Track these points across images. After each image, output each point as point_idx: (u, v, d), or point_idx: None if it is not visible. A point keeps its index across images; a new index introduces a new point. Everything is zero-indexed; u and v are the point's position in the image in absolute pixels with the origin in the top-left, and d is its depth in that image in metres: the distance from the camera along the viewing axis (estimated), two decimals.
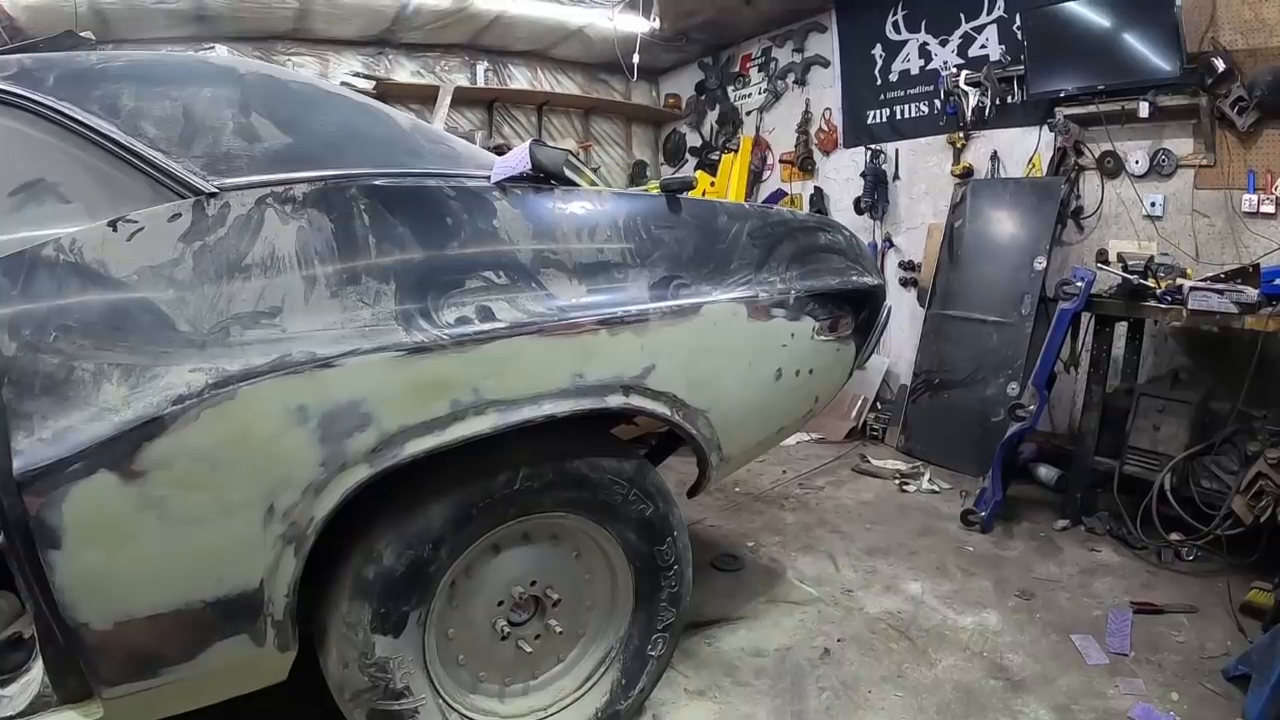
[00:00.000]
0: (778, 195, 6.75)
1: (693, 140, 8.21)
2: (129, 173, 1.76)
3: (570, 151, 2.34)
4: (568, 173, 2.17)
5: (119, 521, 1.53)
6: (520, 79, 7.62)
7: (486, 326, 1.83)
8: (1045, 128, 5.13)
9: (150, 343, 1.56)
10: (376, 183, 1.88)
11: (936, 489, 4.69)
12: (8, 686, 1.76)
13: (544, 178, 2.12)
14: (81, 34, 2.52)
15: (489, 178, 2.08)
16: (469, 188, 2.01)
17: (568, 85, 7.87)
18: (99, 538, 1.52)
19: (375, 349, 1.70)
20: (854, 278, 2.67)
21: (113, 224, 1.62)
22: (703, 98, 7.94)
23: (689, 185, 2.39)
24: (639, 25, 6.17)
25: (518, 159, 2.07)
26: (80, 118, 1.76)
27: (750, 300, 2.33)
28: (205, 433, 1.56)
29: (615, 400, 2.06)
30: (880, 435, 5.79)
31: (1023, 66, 5.12)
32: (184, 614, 1.64)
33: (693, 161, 8.09)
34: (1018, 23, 5.15)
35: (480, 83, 7.27)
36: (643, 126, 8.56)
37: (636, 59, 6.30)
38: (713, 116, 7.88)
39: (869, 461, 5.10)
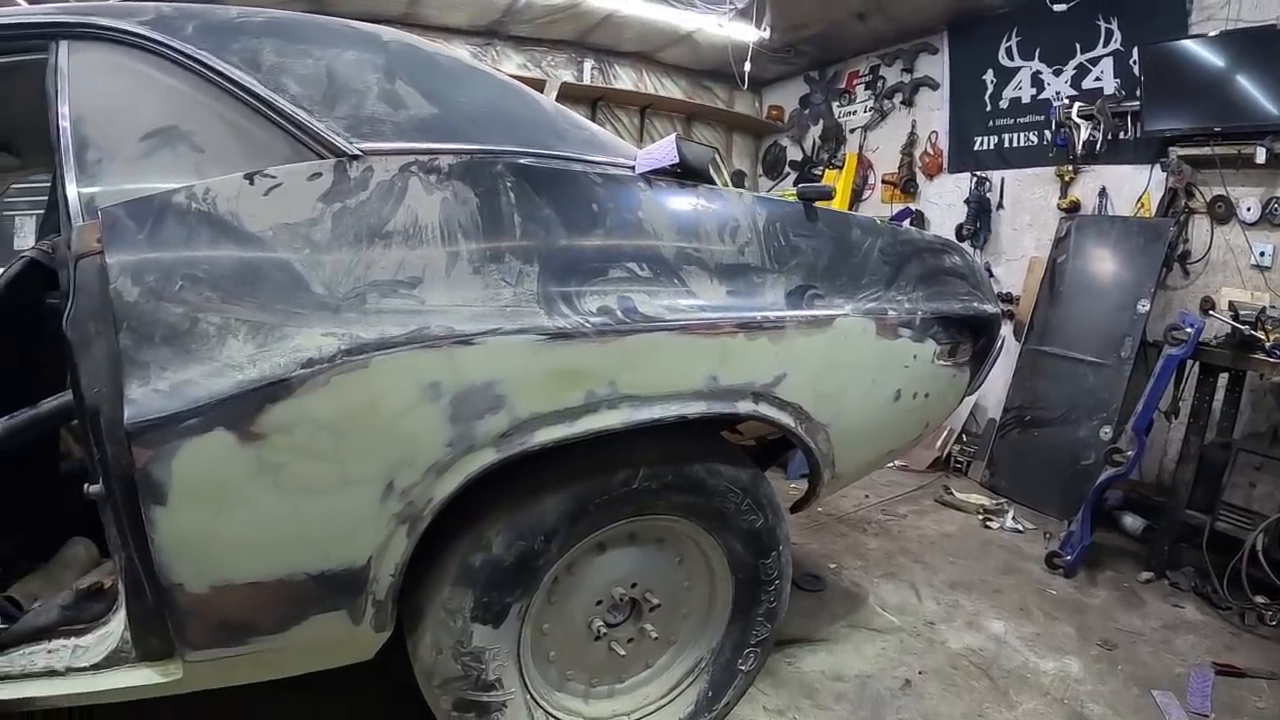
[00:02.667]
0: (905, 214, 6.49)
1: (793, 154, 8.00)
2: (267, 128, 1.70)
3: (717, 150, 2.23)
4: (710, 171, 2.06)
5: (231, 483, 1.45)
6: (625, 79, 7.52)
7: (628, 318, 1.73)
8: (1157, 167, 4.90)
9: (282, 302, 1.48)
10: (523, 161, 1.78)
11: (1020, 528, 4.50)
12: (84, 637, 1.69)
13: (685, 174, 2.01)
14: None
15: (633, 168, 1.98)
16: (615, 175, 1.91)
17: (671, 89, 7.75)
18: (208, 498, 1.44)
19: (516, 330, 1.60)
20: (975, 304, 2.53)
21: (249, 177, 1.54)
22: (806, 112, 7.74)
23: (827, 194, 2.27)
24: (749, 34, 6.01)
25: (664, 152, 1.96)
26: (219, 68, 1.70)
27: (880, 317, 2.20)
28: (332, 400, 1.47)
29: (745, 406, 1.95)
30: (964, 468, 5.58)
31: (1138, 102, 4.90)
32: (285, 585, 1.56)
33: (792, 175, 7.91)
34: (1134, 57, 4.95)
35: (586, 80, 7.20)
36: (743, 136, 8.39)
37: (748, 68, 6.14)
38: (815, 131, 7.67)
39: (952, 494, 4.92)
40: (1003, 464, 5.19)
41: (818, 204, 2.23)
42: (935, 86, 6.45)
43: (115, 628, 1.65)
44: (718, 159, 2.14)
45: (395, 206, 1.61)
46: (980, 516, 4.63)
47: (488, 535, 1.79)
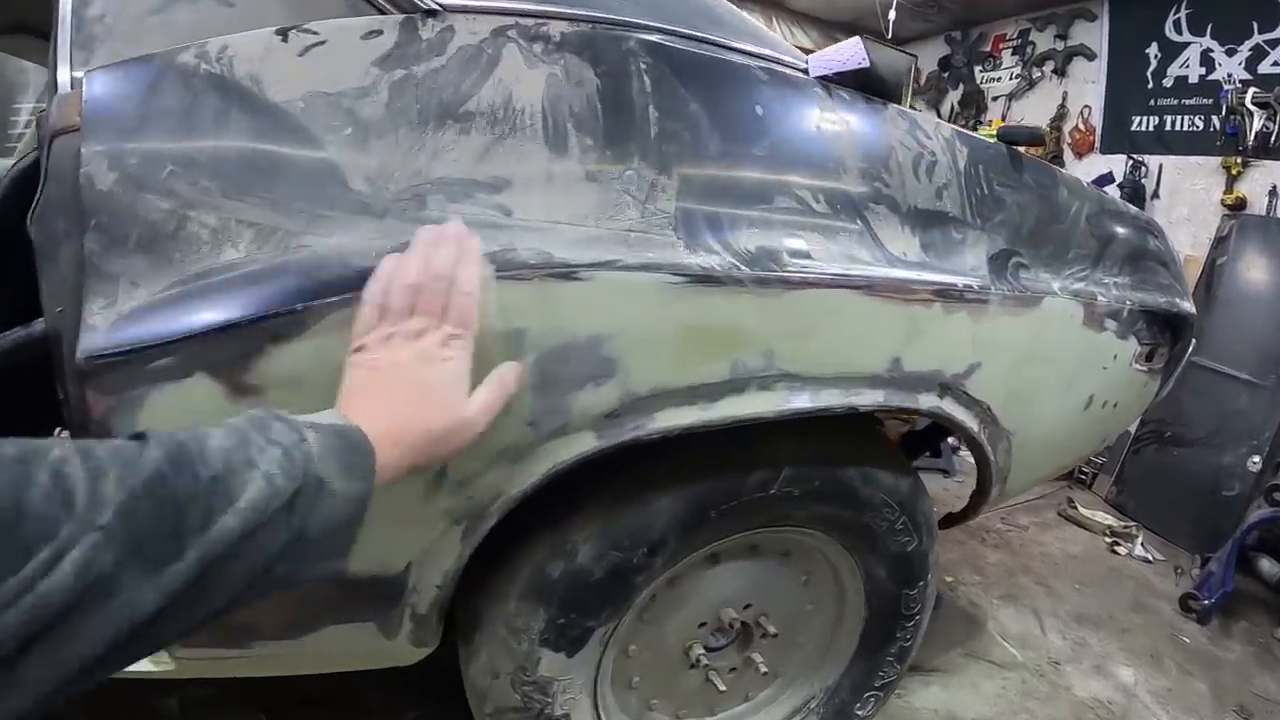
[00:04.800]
0: (1107, 179, 5.47)
1: None
2: None
3: (915, 57, 1.68)
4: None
5: None
6: None
7: (798, 265, 1.18)
8: None
9: (303, 199, 0.95)
10: (664, 40, 1.24)
11: (1149, 558, 3.88)
12: None
13: (869, 86, 1.46)
14: None
15: (806, 70, 1.44)
16: (785, 75, 1.36)
17: (801, 39, 6.96)
18: None
19: (641, 266, 1.06)
20: (1176, 300, 1.95)
21: (282, 33, 1.00)
22: (945, 74, 6.93)
23: (1037, 139, 1.72)
24: None
25: (850, 54, 1.40)
26: None
27: (1089, 302, 1.63)
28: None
29: (928, 401, 1.41)
30: (1088, 481, 4.86)
31: None
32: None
33: None
34: None
35: None
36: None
37: (893, 15, 5.45)
38: (954, 96, 6.88)
39: (1076, 508, 4.27)
40: (1133, 482, 4.50)
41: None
42: (1091, 57, 5.66)
43: None
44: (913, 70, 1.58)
45: (481, 79, 1.06)
46: (1108, 539, 4.01)
47: (573, 540, 1.30)
